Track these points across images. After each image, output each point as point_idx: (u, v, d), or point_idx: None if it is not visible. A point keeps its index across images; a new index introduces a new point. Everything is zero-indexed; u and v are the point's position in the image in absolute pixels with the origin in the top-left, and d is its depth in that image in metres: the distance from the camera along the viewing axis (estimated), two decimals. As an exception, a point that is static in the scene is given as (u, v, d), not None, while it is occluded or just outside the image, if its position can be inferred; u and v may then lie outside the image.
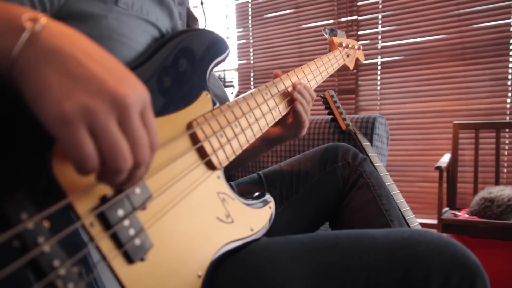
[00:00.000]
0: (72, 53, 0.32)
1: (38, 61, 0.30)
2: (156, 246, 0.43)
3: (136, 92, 0.33)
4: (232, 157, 0.59)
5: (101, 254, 0.37)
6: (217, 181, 0.56)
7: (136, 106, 0.33)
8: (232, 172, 0.97)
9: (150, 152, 0.36)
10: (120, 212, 0.39)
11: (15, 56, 0.30)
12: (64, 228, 0.34)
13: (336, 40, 1.12)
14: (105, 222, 0.37)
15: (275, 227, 0.64)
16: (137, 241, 0.40)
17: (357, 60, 1.22)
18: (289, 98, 0.77)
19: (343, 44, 1.13)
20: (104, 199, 0.38)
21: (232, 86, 2.74)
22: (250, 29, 2.76)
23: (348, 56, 1.13)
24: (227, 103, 0.62)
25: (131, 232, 0.39)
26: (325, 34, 1.15)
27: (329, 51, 1.10)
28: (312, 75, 0.88)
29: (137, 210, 0.41)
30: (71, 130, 0.29)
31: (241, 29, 2.80)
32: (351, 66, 1.15)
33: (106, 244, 0.37)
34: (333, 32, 1.14)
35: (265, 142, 0.87)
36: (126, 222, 0.39)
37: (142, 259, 0.40)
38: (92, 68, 0.32)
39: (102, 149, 0.31)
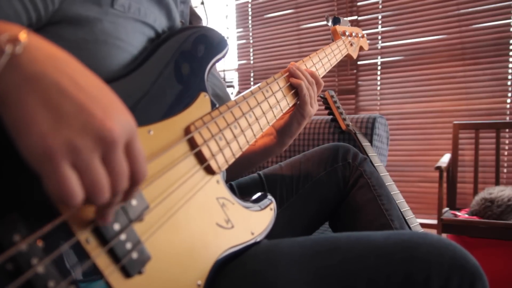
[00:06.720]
0: (56, 80, 0.30)
1: (19, 89, 0.28)
2: (154, 258, 0.42)
3: (122, 124, 0.32)
4: (231, 160, 0.57)
5: (98, 270, 0.36)
6: (216, 186, 0.54)
7: (122, 139, 0.32)
8: (240, 176, 0.96)
9: (139, 180, 0.35)
10: (116, 226, 0.38)
11: None
12: (59, 245, 0.33)
13: (339, 29, 1.08)
14: (101, 237, 0.37)
15: (275, 228, 0.63)
16: (134, 255, 0.39)
17: (361, 48, 1.18)
18: (292, 92, 0.77)
19: (347, 33, 1.10)
20: (100, 214, 0.37)
21: (232, 86, 2.74)
22: (250, 29, 2.75)
23: (351, 45, 1.10)
24: (226, 103, 0.60)
25: (128, 246, 0.39)
26: (327, 23, 1.11)
27: (332, 40, 1.07)
28: (315, 67, 0.86)
29: (133, 223, 0.40)
30: (55, 166, 0.28)
31: (241, 29, 2.79)
32: (354, 55, 1.12)
33: (102, 260, 0.37)
34: (336, 21, 1.10)
35: (277, 138, 0.86)
36: (123, 236, 0.38)
37: (140, 272, 0.40)
38: (78, 98, 0.30)
39: (83, 184, 0.30)
